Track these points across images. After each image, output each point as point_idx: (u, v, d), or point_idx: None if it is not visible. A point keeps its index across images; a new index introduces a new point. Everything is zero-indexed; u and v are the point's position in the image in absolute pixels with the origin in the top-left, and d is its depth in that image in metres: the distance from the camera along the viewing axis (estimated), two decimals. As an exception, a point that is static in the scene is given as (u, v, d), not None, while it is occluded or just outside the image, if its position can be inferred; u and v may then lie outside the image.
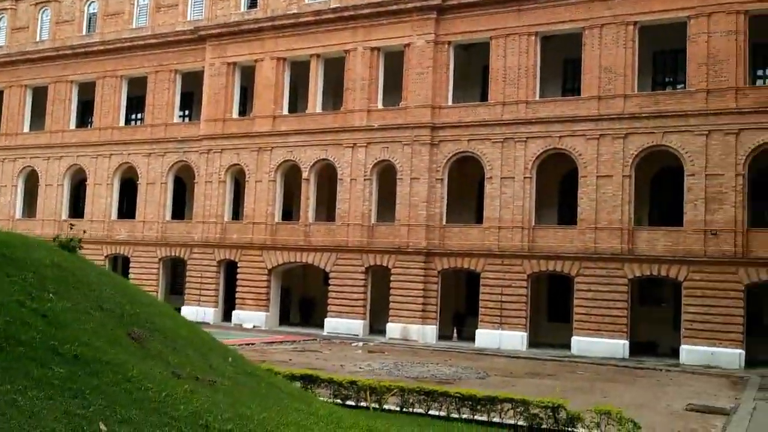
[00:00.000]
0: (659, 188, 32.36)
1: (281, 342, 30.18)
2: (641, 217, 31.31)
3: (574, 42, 31.39)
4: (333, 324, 33.98)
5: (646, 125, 29.26)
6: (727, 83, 28.18)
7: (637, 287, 31.41)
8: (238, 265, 36.97)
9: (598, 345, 28.73)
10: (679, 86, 31.56)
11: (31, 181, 45.00)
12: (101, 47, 42.38)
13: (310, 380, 14.55)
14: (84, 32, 43.99)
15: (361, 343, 30.55)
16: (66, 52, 43.63)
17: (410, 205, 33.07)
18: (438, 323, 32.48)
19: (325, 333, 33.62)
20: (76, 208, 44.26)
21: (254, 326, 35.34)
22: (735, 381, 23.65)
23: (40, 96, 45.21)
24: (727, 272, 27.36)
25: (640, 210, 31.19)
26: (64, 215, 42.94)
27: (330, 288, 34.55)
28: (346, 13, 35.32)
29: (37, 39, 45.59)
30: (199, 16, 40.26)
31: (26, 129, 45.45)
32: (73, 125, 43.98)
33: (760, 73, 31.28)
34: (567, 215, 32.39)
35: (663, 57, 32.69)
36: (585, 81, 30.80)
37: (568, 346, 29.68)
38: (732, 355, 26.68)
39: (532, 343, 30.86)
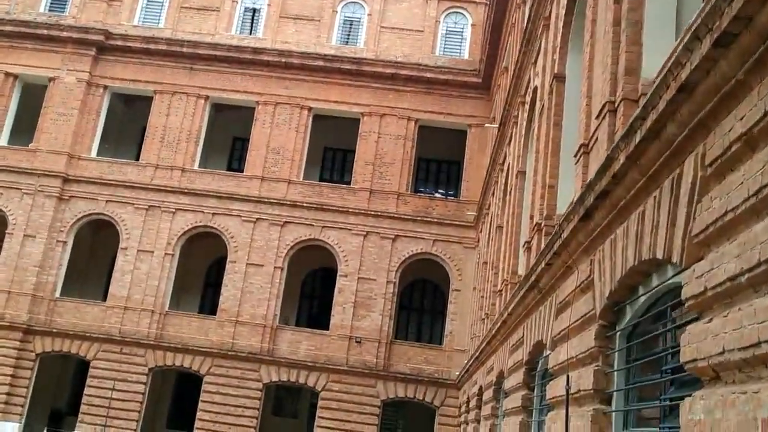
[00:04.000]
0: (313, 287, 30.12)
1: None
2: (288, 317, 28.48)
3: (247, 119, 28.63)
4: None
5: (307, 216, 27.02)
6: (391, 187, 27.31)
7: (274, 394, 28.08)
8: None
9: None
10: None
11: None
12: None
13: None
14: None
15: None
16: None
17: (17, 267, 26.44)
18: (24, 420, 25.52)
19: None
20: None
21: None
22: None
23: None
24: (366, 384, 25.26)
25: (289, 308, 28.45)
26: None
27: None
28: (-20, 25, 28.84)
29: None
30: None
31: None
32: None
33: (421, 188, 31.21)
34: (211, 304, 28.47)
35: (333, 153, 31.38)
36: (250, 158, 27.94)
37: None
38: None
39: (142, 454, 25.49)
